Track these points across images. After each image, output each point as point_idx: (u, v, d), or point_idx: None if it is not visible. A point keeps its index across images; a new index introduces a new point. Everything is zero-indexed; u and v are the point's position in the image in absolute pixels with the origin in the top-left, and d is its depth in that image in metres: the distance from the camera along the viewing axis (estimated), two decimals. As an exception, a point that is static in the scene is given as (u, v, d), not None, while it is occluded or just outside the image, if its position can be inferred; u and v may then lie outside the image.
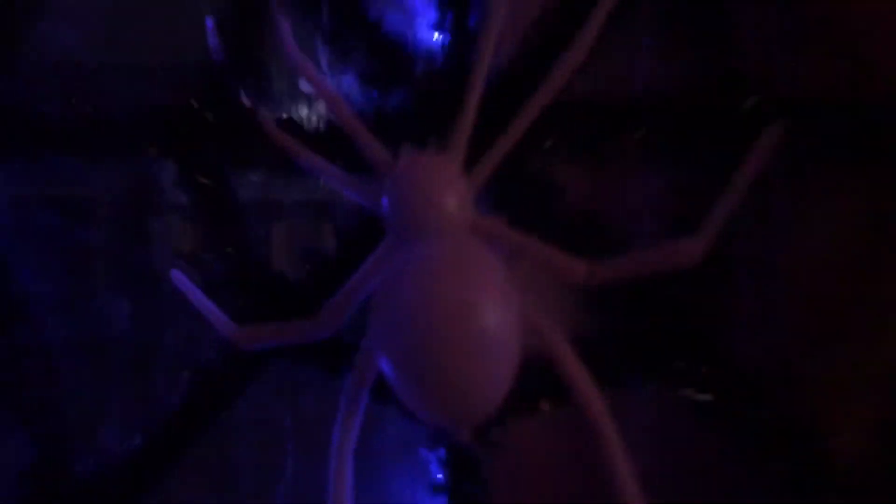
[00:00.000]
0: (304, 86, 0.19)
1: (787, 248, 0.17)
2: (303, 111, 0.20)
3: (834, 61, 0.18)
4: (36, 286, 0.21)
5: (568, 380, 0.17)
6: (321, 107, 0.20)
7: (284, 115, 0.20)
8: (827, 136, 0.17)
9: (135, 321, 0.20)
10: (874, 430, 0.17)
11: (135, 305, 0.21)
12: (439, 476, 0.19)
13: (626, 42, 0.18)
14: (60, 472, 0.19)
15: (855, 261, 0.17)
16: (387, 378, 0.16)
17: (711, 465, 0.18)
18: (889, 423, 0.17)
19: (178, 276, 0.18)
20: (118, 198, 0.21)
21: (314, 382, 0.19)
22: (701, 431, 0.17)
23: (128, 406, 0.20)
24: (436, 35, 0.20)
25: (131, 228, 0.22)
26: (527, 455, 0.19)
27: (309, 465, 0.20)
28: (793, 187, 0.17)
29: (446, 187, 0.16)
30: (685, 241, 0.15)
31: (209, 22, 0.19)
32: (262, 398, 0.20)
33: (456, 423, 0.16)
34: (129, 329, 0.20)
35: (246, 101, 0.18)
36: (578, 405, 0.17)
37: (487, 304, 0.16)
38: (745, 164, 0.15)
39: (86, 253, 0.21)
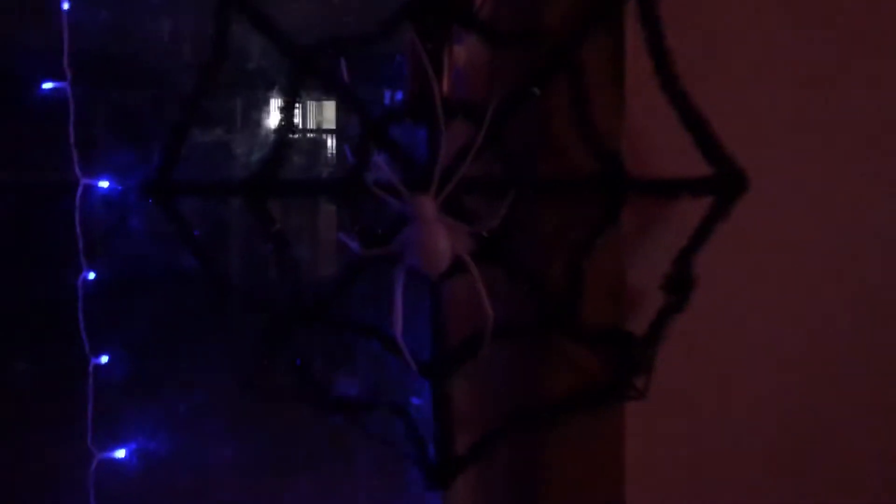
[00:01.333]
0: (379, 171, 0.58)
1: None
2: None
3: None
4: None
5: (465, 264, 0.55)
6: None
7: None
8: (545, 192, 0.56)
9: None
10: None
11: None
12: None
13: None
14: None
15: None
16: (409, 263, 0.55)
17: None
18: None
19: (342, 236, 0.57)
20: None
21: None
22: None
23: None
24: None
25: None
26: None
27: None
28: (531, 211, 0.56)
29: (429, 206, 0.54)
30: (492, 219, 0.54)
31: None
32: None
33: (428, 270, 0.55)
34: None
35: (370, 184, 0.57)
36: (469, 273, 0.55)
37: (440, 242, 0.54)
38: (506, 199, 0.54)
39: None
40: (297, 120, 0.59)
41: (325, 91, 0.58)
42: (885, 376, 0.64)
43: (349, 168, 0.58)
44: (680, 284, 0.55)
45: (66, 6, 0.73)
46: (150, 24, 0.82)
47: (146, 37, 0.81)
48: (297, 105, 0.58)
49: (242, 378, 0.59)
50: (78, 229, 0.72)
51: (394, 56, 0.64)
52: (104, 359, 0.77)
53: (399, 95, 0.62)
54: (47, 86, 0.75)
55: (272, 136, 0.58)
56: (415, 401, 0.64)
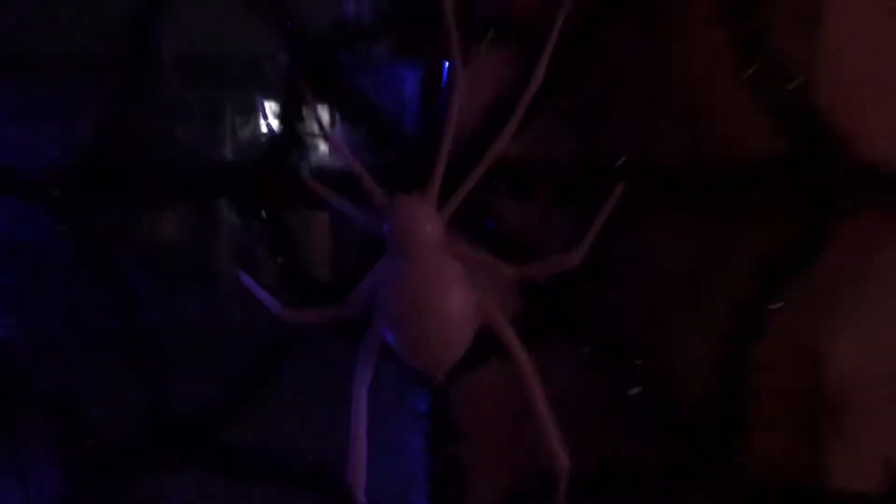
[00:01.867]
0: (334, 153, 0.28)
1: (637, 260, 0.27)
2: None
3: (676, 135, 0.27)
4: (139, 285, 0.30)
5: (505, 343, 0.26)
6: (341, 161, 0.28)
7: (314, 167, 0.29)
8: (669, 188, 0.26)
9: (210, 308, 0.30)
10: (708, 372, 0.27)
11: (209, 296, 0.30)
12: (422, 406, 0.28)
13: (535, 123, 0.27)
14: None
15: (682, 268, 0.27)
16: (388, 342, 0.25)
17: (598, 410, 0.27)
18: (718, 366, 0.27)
19: (244, 276, 0.27)
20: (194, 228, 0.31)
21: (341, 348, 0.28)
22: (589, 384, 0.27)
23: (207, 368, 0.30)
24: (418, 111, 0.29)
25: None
26: (483, 396, 0.28)
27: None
28: (644, 223, 0.26)
29: (425, 219, 0.25)
30: (570, 254, 0.24)
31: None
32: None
33: (432, 370, 0.25)
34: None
35: (305, 173, 0.27)
36: (514, 363, 0.26)
37: (451, 296, 0.25)
38: (604, 205, 0.24)
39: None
40: None
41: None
42: None
43: (265, 142, 0.29)
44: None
45: None
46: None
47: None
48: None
49: None
50: None
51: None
52: None
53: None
54: None
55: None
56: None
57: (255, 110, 0.29)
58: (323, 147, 0.29)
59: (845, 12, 0.28)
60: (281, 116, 0.28)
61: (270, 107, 0.29)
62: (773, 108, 0.27)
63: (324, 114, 0.28)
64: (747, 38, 0.27)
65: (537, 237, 0.28)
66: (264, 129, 0.29)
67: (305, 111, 0.28)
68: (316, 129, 0.28)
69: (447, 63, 0.28)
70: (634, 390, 0.27)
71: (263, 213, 0.28)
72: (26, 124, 0.31)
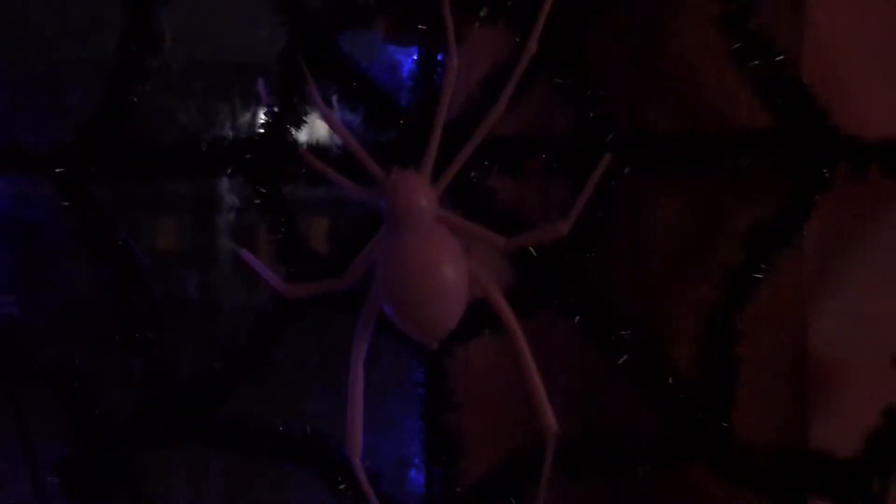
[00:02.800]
0: (331, 130, 0.29)
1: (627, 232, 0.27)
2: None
3: (669, 105, 0.28)
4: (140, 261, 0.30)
5: (498, 314, 0.26)
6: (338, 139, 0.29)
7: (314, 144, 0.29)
8: (659, 162, 0.27)
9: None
10: (695, 341, 0.27)
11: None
12: (419, 376, 0.29)
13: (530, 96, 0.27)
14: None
15: (670, 240, 0.28)
16: (385, 313, 0.26)
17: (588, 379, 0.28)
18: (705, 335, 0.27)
19: (245, 253, 0.28)
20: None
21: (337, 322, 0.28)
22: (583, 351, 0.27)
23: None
24: (413, 89, 0.30)
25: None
26: (478, 366, 0.29)
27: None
28: (638, 189, 0.27)
29: (420, 193, 0.26)
30: (558, 223, 0.25)
31: (260, 81, 0.29)
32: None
33: (428, 338, 0.26)
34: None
35: (301, 147, 0.28)
36: (506, 331, 0.26)
37: (445, 267, 0.25)
38: (591, 175, 0.25)
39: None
40: None
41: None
42: None
43: (263, 119, 0.29)
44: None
45: None
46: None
47: None
48: None
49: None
50: None
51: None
52: None
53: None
54: None
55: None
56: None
57: (255, 89, 0.30)
58: (321, 125, 0.29)
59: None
60: (280, 94, 0.29)
61: (270, 84, 0.29)
62: (759, 84, 0.27)
63: (321, 92, 0.28)
64: (734, 15, 0.27)
65: (533, 212, 0.28)
66: (264, 107, 0.29)
67: (304, 89, 0.29)
68: (314, 106, 0.28)
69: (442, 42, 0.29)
70: (623, 359, 0.27)
71: (263, 190, 0.28)
72: (28, 102, 0.32)
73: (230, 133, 0.31)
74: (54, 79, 0.32)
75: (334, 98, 0.29)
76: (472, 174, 0.28)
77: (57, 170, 0.29)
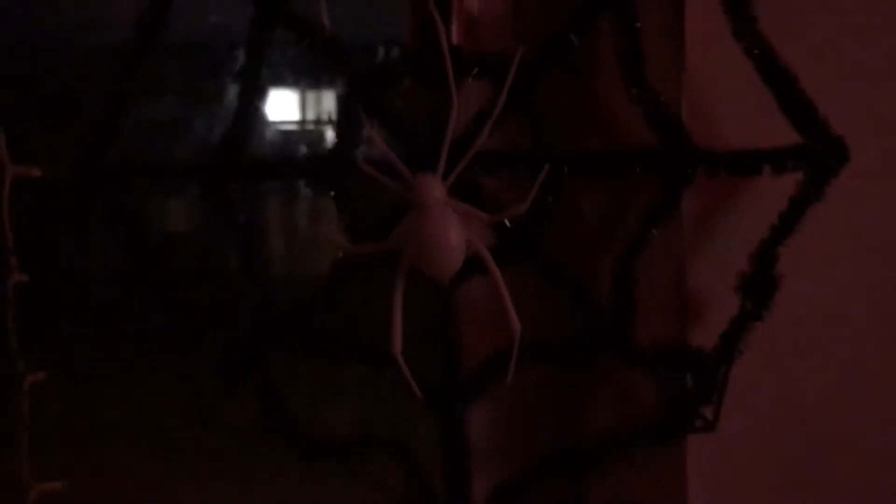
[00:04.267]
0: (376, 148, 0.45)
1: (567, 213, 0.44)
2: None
3: (594, 131, 0.44)
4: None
5: (485, 263, 0.42)
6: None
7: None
8: (588, 165, 0.43)
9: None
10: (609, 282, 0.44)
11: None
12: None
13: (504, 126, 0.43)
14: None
15: (594, 218, 0.44)
16: (414, 264, 0.42)
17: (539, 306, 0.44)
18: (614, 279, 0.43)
19: (323, 230, 0.45)
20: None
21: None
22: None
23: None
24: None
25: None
26: (473, 296, 0.46)
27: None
28: (572, 189, 0.43)
29: (435, 188, 0.42)
30: (520, 205, 0.41)
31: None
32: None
33: (440, 278, 0.42)
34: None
35: (360, 160, 0.44)
36: (489, 273, 0.42)
37: (450, 232, 0.41)
38: (538, 180, 0.41)
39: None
40: (296, 110, 0.46)
41: (300, 42, 0.45)
42: None
43: (333, 143, 0.45)
44: (761, 285, 0.43)
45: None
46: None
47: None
48: (263, 64, 0.45)
49: (198, 412, 0.46)
50: (4, 223, 0.59)
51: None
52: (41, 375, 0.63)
53: (393, 49, 0.49)
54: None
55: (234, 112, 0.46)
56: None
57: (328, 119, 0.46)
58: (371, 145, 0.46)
59: (698, 59, 0.45)
60: (344, 126, 0.45)
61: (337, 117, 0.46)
62: (649, 116, 0.43)
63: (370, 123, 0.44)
64: (633, 74, 0.43)
65: (506, 199, 0.44)
66: (333, 132, 0.46)
67: (361, 122, 0.45)
68: (366, 133, 0.45)
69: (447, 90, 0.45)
70: (562, 292, 0.44)
71: (342, 193, 0.45)
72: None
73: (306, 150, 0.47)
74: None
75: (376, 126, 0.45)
76: (468, 175, 0.45)
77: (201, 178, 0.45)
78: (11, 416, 0.64)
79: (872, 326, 0.50)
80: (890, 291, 0.50)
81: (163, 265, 0.46)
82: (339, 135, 0.45)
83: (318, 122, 0.68)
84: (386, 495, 0.47)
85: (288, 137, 0.60)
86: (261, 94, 0.46)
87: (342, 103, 0.46)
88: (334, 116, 0.45)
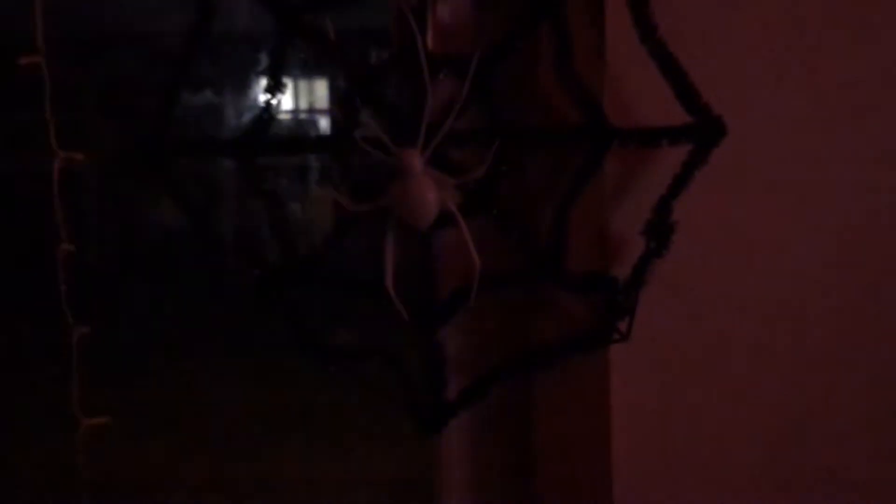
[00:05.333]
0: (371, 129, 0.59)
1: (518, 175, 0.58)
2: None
3: (535, 113, 0.58)
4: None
5: (453, 216, 0.56)
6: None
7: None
8: (533, 141, 0.57)
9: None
10: (544, 229, 0.58)
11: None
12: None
13: (466, 113, 0.57)
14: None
15: (539, 178, 0.58)
16: (400, 217, 0.56)
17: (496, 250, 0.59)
18: (551, 227, 0.58)
19: (330, 190, 0.59)
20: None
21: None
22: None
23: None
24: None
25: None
26: (446, 241, 0.60)
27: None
28: (523, 155, 0.57)
29: (416, 160, 0.56)
30: (478, 168, 0.55)
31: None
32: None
33: (420, 226, 0.56)
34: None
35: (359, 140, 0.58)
36: (456, 223, 0.57)
37: (427, 192, 0.56)
38: (492, 151, 0.55)
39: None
40: (290, 100, 0.60)
41: (312, 49, 0.58)
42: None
43: (337, 125, 0.59)
44: (660, 230, 0.57)
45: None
46: None
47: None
48: (283, 65, 0.59)
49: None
50: (56, 202, 0.73)
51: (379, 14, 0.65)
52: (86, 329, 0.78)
53: (381, 50, 0.62)
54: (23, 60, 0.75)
55: (261, 97, 0.60)
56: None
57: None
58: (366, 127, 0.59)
59: (616, 56, 0.59)
60: (345, 112, 0.59)
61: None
62: (578, 101, 0.57)
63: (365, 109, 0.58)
64: (565, 68, 0.57)
65: (470, 165, 0.58)
66: (337, 117, 0.59)
67: (358, 110, 0.59)
68: (363, 118, 0.58)
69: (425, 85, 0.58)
70: (512, 236, 0.58)
71: (344, 164, 0.59)
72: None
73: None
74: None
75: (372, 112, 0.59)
76: (441, 149, 0.58)
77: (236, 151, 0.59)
78: (64, 362, 0.79)
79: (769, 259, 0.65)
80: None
81: (208, 221, 0.60)
82: (342, 119, 0.59)
83: (311, 110, 0.82)
84: (381, 395, 0.62)
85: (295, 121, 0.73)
86: (281, 88, 0.60)
87: (344, 95, 0.60)
88: (337, 106, 0.59)
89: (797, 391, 0.64)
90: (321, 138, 0.61)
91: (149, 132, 0.59)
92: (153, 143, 0.59)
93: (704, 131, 0.56)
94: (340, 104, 0.59)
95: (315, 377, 0.62)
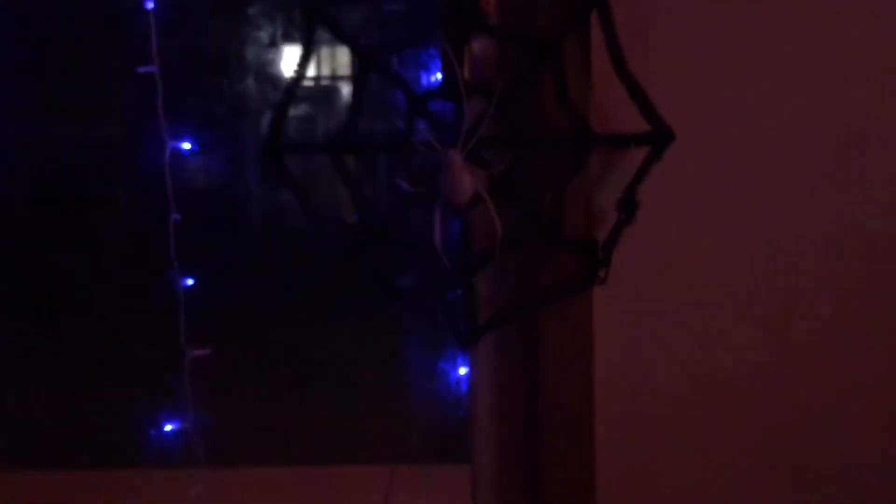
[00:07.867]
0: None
1: (525, 169, 0.83)
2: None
3: (540, 121, 0.83)
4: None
5: (484, 197, 0.81)
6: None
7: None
8: (534, 142, 0.82)
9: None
10: (551, 201, 0.83)
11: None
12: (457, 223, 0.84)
13: (495, 124, 0.82)
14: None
15: (541, 172, 0.83)
16: (445, 200, 0.81)
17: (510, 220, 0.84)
18: (553, 202, 0.83)
19: (401, 183, 0.84)
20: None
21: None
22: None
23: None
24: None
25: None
26: (478, 217, 0.85)
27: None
28: (536, 158, 0.82)
29: (457, 157, 0.80)
30: (501, 165, 0.80)
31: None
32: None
33: (458, 206, 0.81)
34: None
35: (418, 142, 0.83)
36: (485, 201, 0.81)
37: (465, 181, 0.80)
38: (510, 152, 0.80)
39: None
40: (314, 67, 0.84)
41: (384, 80, 0.83)
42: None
43: (401, 132, 0.84)
44: (628, 206, 0.82)
45: (150, 6, 0.97)
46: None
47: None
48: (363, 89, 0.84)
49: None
50: (167, 180, 1.00)
51: (427, 50, 0.89)
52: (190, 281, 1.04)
53: (431, 76, 0.87)
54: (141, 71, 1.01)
55: (347, 112, 0.85)
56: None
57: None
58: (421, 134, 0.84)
59: (599, 81, 0.83)
60: (407, 123, 0.84)
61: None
62: (571, 116, 0.81)
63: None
64: (562, 94, 0.81)
65: (494, 162, 0.83)
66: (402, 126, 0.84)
67: (415, 122, 0.83)
68: (420, 128, 0.83)
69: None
70: (524, 211, 0.83)
71: (405, 160, 0.84)
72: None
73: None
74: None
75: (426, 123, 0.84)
76: (475, 150, 0.83)
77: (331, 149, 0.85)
78: (171, 302, 1.05)
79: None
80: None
81: (310, 201, 0.86)
82: (404, 129, 0.84)
83: (333, 76, 1.07)
84: (432, 325, 0.87)
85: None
86: (365, 101, 0.85)
87: (407, 111, 0.84)
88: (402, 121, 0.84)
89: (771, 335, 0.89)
90: (390, 142, 0.85)
91: (267, 136, 0.85)
92: (270, 144, 0.84)
93: (658, 137, 0.80)
94: (405, 119, 0.84)
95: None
